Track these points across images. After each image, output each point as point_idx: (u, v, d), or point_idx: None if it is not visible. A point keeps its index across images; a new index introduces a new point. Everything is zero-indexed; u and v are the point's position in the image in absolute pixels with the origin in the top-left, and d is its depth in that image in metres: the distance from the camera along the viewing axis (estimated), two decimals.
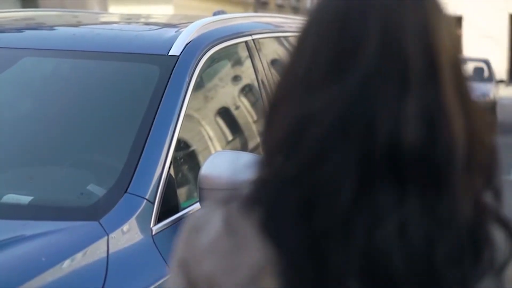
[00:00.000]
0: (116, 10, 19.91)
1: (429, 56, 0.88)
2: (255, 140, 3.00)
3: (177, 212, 2.24)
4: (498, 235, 0.92)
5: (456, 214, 0.88)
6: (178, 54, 2.51)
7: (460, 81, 0.93)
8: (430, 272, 0.86)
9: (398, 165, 0.86)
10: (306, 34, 0.92)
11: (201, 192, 2.18)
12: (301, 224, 0.87)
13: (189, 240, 0.94)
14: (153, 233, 2.08)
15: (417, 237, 0.86)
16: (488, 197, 0.94)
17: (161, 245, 2.07)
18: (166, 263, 2.04)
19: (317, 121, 0.87)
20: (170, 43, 2.56)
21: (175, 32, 2.68)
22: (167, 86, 2.40)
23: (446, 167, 0.87)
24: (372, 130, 0.85)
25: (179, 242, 0.97)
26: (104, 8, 16.95)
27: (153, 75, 2.46)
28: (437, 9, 0.97)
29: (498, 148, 0.98)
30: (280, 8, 38.37)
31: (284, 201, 0.88)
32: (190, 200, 2.35)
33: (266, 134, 0.94)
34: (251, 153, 2.54)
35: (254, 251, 0.87)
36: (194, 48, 2.58)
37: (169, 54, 2.52)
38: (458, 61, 0.93)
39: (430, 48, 0.89)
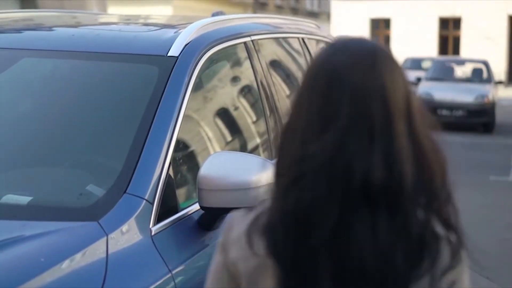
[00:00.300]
0: (115, 11, 19.90)
1: (387, 115, 1.25)
2: (254, 141, 3.00)
3: (176, 212, 2.24)
4: (445, 247, 1.26)
5: (408, 226, 1.24)
6: (177, 55, 2.51)
7: (412, 126, 1.27)
8: (392, 270, 1.22)
9: (369, 194, 1.23)
10: (302, 96, 1.30)
11: (200, 193, 2.18)
12: (295, 241, 1.24)
13: (226, 232, 1.36)
14: (152, 233, 2.08)
15: (384, 245, 1.22)
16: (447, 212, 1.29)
17: (160, 245, 2.07)
18: (165, 263, 2.04)
19: (310, 164, 1.24)
20: (169, 44, 2.56)
21: (174, 33, 2.69)
22: (166, 87, 2.40)
23: (397, 191, 1.24)
24: (350, 171, 1.22)
25: (223, 231, 1.38)
26: (103, 9, 16.95)
27: (152, 76, 2.46)
28: (392, 72, 1.28)
29: (447, 174, 1.31)
30: (279, 9, 38.35)
31: (284, 224, 1.26)
32: (189, 201, 2.36)
33: (277, 165, 1.33)
34: (250, 154, 2.54)
35: (260, 251, 1.28)
36: (193, 49, 2.58)
37: (168, 55, 2.52)
38: (409, 109, 1.28)
39: (386, 105, 1.25)
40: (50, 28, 3.08)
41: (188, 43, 2.59)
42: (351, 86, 1.25)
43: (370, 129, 1.24)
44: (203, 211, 2.26)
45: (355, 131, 1.24)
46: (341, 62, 1.27)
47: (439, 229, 1.27)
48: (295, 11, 40.37)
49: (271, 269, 1.27)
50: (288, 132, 1.31)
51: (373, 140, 1.24)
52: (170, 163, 2.25)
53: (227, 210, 2.23)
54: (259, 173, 2.22)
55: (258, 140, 3.00)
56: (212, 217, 2.28)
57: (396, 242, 1.23)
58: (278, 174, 1.32)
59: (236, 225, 1.36)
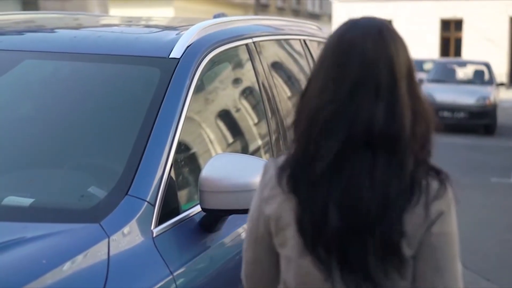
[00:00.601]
0: (116, 13, 19.92)
1: (392, 76, 1.55)
2: (255, 142, 3.00)
3: (178, 214, 2.24)
4: (433, 180, 1.56)
5: (403, 166, 1.53)
6: (179, 57, 2.52)
7: (412, 88, 1.58)
8: (385, 201, 1.51)
9: (370, 139, 1.52)
10: (320, 64, 1.60)
11: (201, 195, 2.18)
12: (306, 174, 1.55)
13: (262, 176, 1.67)
14: (154, 235, 2.08)
15: (379, 180, 1.52)
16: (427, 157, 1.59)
17: (162, 247, 2.07)
18: (166, 265, 2.04)
19: (324, 112, 1.55)
20: (171, 45, 2.56)
21: (176, 34, 2.69)
22: (168, 89, 2.40)
23: (398, 139, 1.53)
24: (355, 119, 1.53)
25: (261, 176, 1.67)
26: (105, 11, 16.96)
27: (154, 77, 2.46)
28: (395, 42, 1.58)
29: (432, 128, 1.59)
30: (280, 10, 38.35)
31: (300, 162, 1.57)
32: (190, 203, 2.36)
33: (296, 117, 1.61)
34: (251, 156, 2.54)
35: (285, 188, 1.58)
36: (195, 50, 2.58)
37: (170, 56, 2.52)
38: (410, 74, 1.58)
39: (392, 71, 1.55)
40: (51, 30, 3.08)
41: (189, 45, 2.59)
42: (362, 53, 1.55)
43: (377, 88, 1.54)
44: (204, 213, 2.26)
45: (364, 89, 1.54)
46: (354, 35, 1.57)
47: (426, 170, 1.58)
48: (296, 13, 40.38)
49: (292, 203, 1.57)
50: (306, 92, 1.61)
51: (378, 96, 1.54)
52: (171, 165, 2.25)
53: (228, 212, 2.24)
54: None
55: (259, 142, 3.00)
56: (213, 219, 2.28)
57: (391, 178, 1.53)
58: (297, 126, 1.60)
59: (269, 169, 1.66)
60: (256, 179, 2.20)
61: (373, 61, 1.55)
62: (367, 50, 1.55)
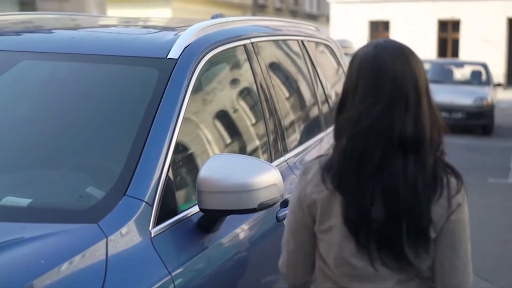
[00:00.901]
0: (114, 14, 19.90)
1: (416, 92, 1.91)
2: (253, 143, 3.00)
3: (176, 214, 2.24)
4: (451, 177, 1.93)
5: (426, 165, 1.90)
6: (176, 58, 2.52)
7: (429, 100, 1.95)
8: (415, 194, 1.87)
9: (402, 144, 1.88)
10: (356, 82, 1.93)
11: (199, 195, 2.19)
12: (353, 176, 1.88)
13: (302, 176, 2.00)
14: (152, 235, 2.08)
15: (410, 176, 1.87)
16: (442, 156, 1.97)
17: (160, 247, 2.07)
18: (165, 265, 2.04)
19: (364, 124, 1.88)
20: (169, 46, 2.56)
21: (174, 35, 2.69)
22: (166, 89, 2.41)
23: (421, 142, 1.89)
24: (391, 129, 1.88)
25: (299, 176, 2.02)
26: (103, 11, 16.95)
27: (151, 78, 2.47)
28: (417, 63, 1.95)
29: (443, 132, 1.97)
30: (278, 11, 38.37)
31: (345, 166, 1.90)
32: (188, 203, 2.36)
33: (336, 123, 1.97)
34: (249, 156, 2.54)
35: (329, 185, 1.91)
36: (192, 51, 2.59)
37: (168, 57, 2.52)
38: (427, 90, 1.95)
39: (416, 87, 1.91)
40: (49, 31, 3.08)
41: (187, 45, 2.59)
42: (393, 73, 1.90)
43: (406, 102, 1.89)
44: (202, 213, 2.26)
45: (396, 103, 1.89)
46: (385, 57, 1.92)
47: (443, 168, 1.94)
48: (294, 14, 40.39)
49: (338, 197, 1.91)
50: (345, 105, 1.94)
51: (407, 108, 1.89)
52: (169, 165, 2.25)
53: (226, 213, 2.24)
54: (259, 175, 2.22)
55: (257, 142, 3.00)
56: (211, 219, 2.29)
57: (418, 174, 1.88)
58: (339, 133, 1.95)
59: (310, 169, 1.99)
60: (254, 179, 2.20)
61: (402, 80, 1.90)
62: (397, 71, 1.90)
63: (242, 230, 2.54)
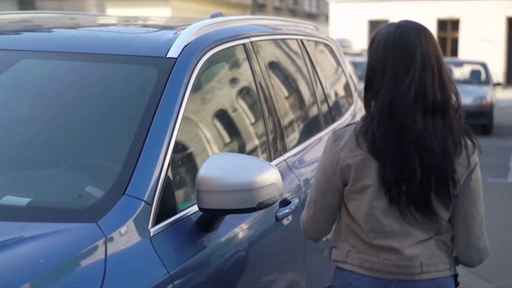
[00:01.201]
0: (113, 13, 19.91)
1: (438, 63, 2.21)
2: (252, 142, 3.00)
3: (175, 214, 2.24)
4: (467, 140, 2.23)
5: (451, 128, 2.18)
6: (176, 57, 2.51)
7: (446, 70, 2.24)
8: (444, 152, 2.15)
9: (434, 108, 2.16)
10: (385, 59, 2.19)
11: (199, 195, 2.19)
12: (394, 137, 2.14)
13: (334, 142, 2.22)
14: (151, 235, 2.08)
15: (439, 137, 2.15)
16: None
17: (159, 247, 2.07)
18: (164, 265, 2.04)
19: (400, 92, 2.15)
20: (168, 45, 2.56)
21: (173, 34, 2.69)
22: (165, 88, 2.40)
23: (447, 108, 2.20)
24: (425, 96, 2.14)
25: (330, 141, 2.25)
26: (102, 10, 16.95)
27: (151, 77, 2.46)
28: (433, 37, 2.24)
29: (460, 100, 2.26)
30: (277, 10, 38.36)
31: (382, 130, 2.14)
32: (188, 202, 2.36)
33: (368, 106, 2.22)
34: (248, 155, 2.54)
35: (364, 149, 2.15)
36: (192, 50, 2.58)
37: (167, 56, 2.52)
38: (443, 61, 2.25)
39: (437, 59, 2.21)
40: (49, 30, 3.07)
41: (187, 44, 2.59)
42: (420, 47, 2.17)
43: (432, 72, 2.17)
44: (201, 213, 2.26)
45: (425, 74, 2.16)
46: (410, 34, 2.19)
47: (462, 132, 2.23)
48: (293, 13, 40.38)
49: (372, 160, 2.15)
50: (375, 80, 2.19)
51: (433, 78, 2.17)
52: (169, 165, 2.25)
53: (225, 212, 2.24)
54: (258, 174, 2.22)
55: (256, 142, 3.00)
56: (210, 219, 2.29)
57: (447, 135, 2.17)
58: (373, 100, 2.18)
59: (342, 137, 2.22)
60: (253, 178, 2.20)
61: (427, 52, 2.17)
62: (422, 45, 2.18)
63: (241, 229, 2.54)
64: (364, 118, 2.22)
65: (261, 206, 2.25)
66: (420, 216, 2.18)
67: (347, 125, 2.26)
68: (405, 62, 2.16)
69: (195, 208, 2.27)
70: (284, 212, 2.80)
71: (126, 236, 2.01)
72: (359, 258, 2.22)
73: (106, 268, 1.88)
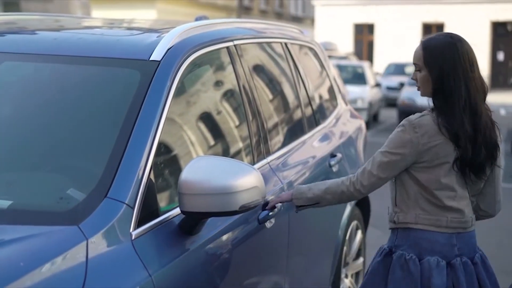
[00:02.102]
0: (99, 15, 19.83)
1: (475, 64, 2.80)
2: (236, 145, 3.00)
3: (157, 216, 2.24)
4: (498, 129, 2.81)
5: (486, 124, 2.72)
6: (159, 59, 2.51)
7: None
8: (494, 131, 2.77)
9: (484, 99, 2.78)
10: (453, 63, 2.70)
11: (181, 197, 2.18)
12: (470, 125, 2.68)
13: (415, 129, 2.65)
14: (133, 237, 2.08)
15: (489, 128, 2.74)
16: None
17: (141, 249, 2.07)
18: (145, 267, 2.04)
19: (471, 93, 2.71)
20: (152, 48, 2.56)
21: (157, 37, 2.69)
22: (148, 91, 2.40)
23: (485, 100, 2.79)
24: (481, 87, 2.74)
25: (410, 129, 2.66)
26: (87, 13, 16.88)
27: (134, 80, 2.46)
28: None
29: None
30: (263, 13, 38.39)
31: (463, 117, 2.67)
32: (170, 205, 2.35)
33: (444, 95, 2.70)
34: (231, 159, 2.54)
35: (444, 135, 2.66)
36: (175, 53, 2.58)
37: (151, 59, 2.52)
38: None
39: (474, 61, 2.77)
40: (32, 32, 3.06)
41: (170, 47, 2.58)
42: (471, 55, 2.72)
43: (476, 71, 2.74)
44: (184, 216, 2.26)
45: (476, 71, 2.73)
46: (463, 43, 2.72)
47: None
48: (279, 16, 40.43)
49: (450, 143, 2.65)
50: (443, 84, 2.67)
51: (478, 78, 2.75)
52: (151, 168, 2.25)
53: (208, 215, 2.24)
54: (240, 177, 2.23)
55: (240, 145, 3.00)
56: (193, 222, 2.29)
57: (491, 119, 2.74)
58: (457, 103, 2.65)
59: (421, 126, 2.65)
60: (235, 181, 2.21)
61: (473, 56, 2.73)
62: (471, 51, 2.72)
63: (224, 232, 2.54)
64: (437, 110, 2.68)
65: (244, 209, 2.26)
66: (473, 182, 2.75)
67: (421, 116, 2.69)
68: (469, 64, 2.70)
69: (177, 210, 2.27)
70: (266, 214, 2.81)
71: (108, 239, 2.01)
72: (429, 219, 2.71)
73: (87, 271, 1.88)
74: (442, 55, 2.66)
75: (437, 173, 2.68)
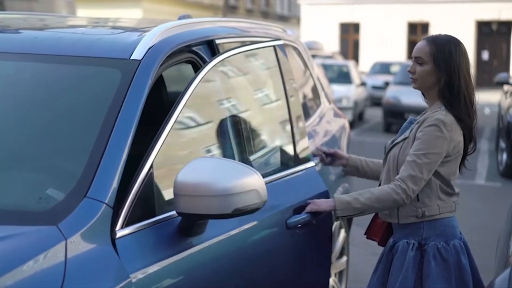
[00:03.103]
0: (84, 14, 19.72)
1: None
2: (219, 145, 2.99)
3: (144, 217, 2.21)
4: None
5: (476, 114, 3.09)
6: (140, 58, 2.50)
7: None
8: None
9: None
10: (459, 62, 2.98)
11: (175, 198, 2.16)
12: (473, 122, 3.03)
13: (447, 127, 2.89)
14: (112, 237, 2.07)
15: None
16: None
17: (120, 249, 2.06)
18: (125, 267, 2.02)
19: (474, 93, 3.08)
20: (132, 47, 2.54)
21: (138, 36, 2.67)
22: (129, 90, 2.39)
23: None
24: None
25: (445, 129, 2.90)
26: (72, 12, 16.78)
27: (114, 79, 2.44)
28: None
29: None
30: (249, 12, 38.36)
31: (471, 115, 3.01)
32: (160, 206, 2.32)
33: (455, 96, 2.97)
34: (232, 160, 2.46)
35: (462, 129, 2.96)
36: (156, 52, 2.57)
37: (131, 58, 2.50)
38: None
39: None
40: (12, 31, 3.04)
41: (151, 46, 2.57)
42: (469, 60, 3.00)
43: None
44: (180, 217, 2.22)
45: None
46: (466, 50, 3.00)
47: None
48: (265, 15, 40.43)
49: (462, 136, 2.93)
50: (453, 84, 2.93)
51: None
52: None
53: (201, 217, 2.20)
54: (236, 179, 2.18)
55: (222, 144, 2.99)
56: (189, 223, 2.25)
57: None
58: (464, 101, 2.93)
59: (451, 124, 2.88)
60: (230, 183, 2.15)
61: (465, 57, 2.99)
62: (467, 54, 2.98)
63: (227, 235, 2.48)
64: (449, 106, 2.91)
65: (238, 212, 2.19)
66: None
67: (445, 115, 2.89)
68: (469, 65, 2.99)
69: (171, 212, 2.25)
70: (297, 219, 2.80)
71: (87, 239, 2.00)
72: (445, 207, 2.95)
73: (66, 271, 1.87)
74: (450, 52, 2.90)
75: (456, 165, 2.97)
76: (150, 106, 2.53)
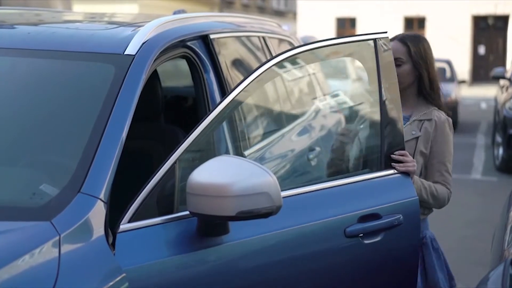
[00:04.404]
0: (80, 9, 19.69)
1: None
2: (214, 139, 2.98)
3: (145, 215, 2.19)
4: None
5: None
6: (134, 54, 2.49)
7: None
8: None
9: None
10: (431, 58, 3.30)
11: (187, 197, 2.14)
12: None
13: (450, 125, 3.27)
14: (107, 233, 2.06)
15: None
16: None
17: (118, 245, 2.05)
18: (119, 263, 2.02)
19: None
20: (126, 42, 2.54)
21: (132, 31, 2.66)
22: (123, 85, 2.38)
23: None
24: None
25: (449, 129, 3.18)
26: (68, 7, 16.74)
27: (108, 74, 2.44)
28: None
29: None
30: (245, 7, 38.32)
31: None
32: (161, 205, 2.29)
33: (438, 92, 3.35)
34: (250, 161, 2.27)
35: None
36: (150, 47, 2.56)
37: (125, 53, 2.49)
38: None
39: None
40: (8, 26, 3.03)
41: (145, 41, 2.56)
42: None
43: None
44: (193, 217, 2.18)
45: None
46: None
47: None
48: (261, 10, 40.38)
49: None
50: (434, 75, 3.19)
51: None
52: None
53: (209, 218, 2.12)
54: (246, 181, 2.11)
55: (216, 139, 2.99)
56: (201, 223, 2.20)
57: None
58: (435, 88, 3.23)
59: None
60: (238, 185, 2.07)
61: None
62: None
63: (250, 238, 2.35)
64: (433, 102, 3.11)
65: (243, 215, 2.10)
66: None
67: (443, 114, 3.07)
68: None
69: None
70: (358, 227, 2.58)
71: (81, 235, 2.00)
72: None
73: (59, 267, 1.87)
74: (424, 49, 3.06)
75: None
76: (144, 101, 2.53)
